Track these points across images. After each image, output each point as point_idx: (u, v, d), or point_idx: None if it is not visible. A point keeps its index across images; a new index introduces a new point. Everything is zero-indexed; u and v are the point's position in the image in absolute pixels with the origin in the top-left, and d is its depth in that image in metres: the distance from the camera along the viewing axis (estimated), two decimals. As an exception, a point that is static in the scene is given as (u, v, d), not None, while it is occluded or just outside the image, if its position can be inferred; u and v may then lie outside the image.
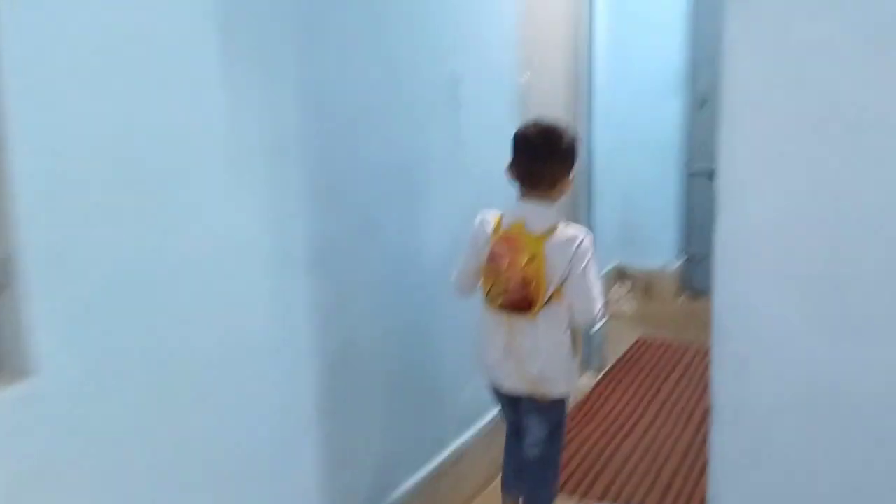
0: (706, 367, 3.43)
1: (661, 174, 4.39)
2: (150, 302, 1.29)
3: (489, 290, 1.84)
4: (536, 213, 1.82)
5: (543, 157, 1.81)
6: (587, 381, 3.33)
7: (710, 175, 4.40)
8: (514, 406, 1.98)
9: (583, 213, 3.21)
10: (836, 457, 1.08)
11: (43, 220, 1.09)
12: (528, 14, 2.62)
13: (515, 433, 2.03)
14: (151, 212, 1.28)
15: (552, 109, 2.98)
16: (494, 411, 2.41)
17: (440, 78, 2.13)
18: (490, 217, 1.88)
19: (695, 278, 4.47)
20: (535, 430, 1.94)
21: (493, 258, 1.81)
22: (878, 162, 0.99)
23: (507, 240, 1.80)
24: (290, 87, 1.58)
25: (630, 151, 4.22)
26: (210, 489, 1.45)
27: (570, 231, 1.79)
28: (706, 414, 2.66)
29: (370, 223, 1.90)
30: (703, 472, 2.48)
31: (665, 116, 4.28)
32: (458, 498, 2.37)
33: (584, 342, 3.36)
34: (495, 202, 2.44)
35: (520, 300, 1.78)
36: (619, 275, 4.48)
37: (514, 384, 1.89)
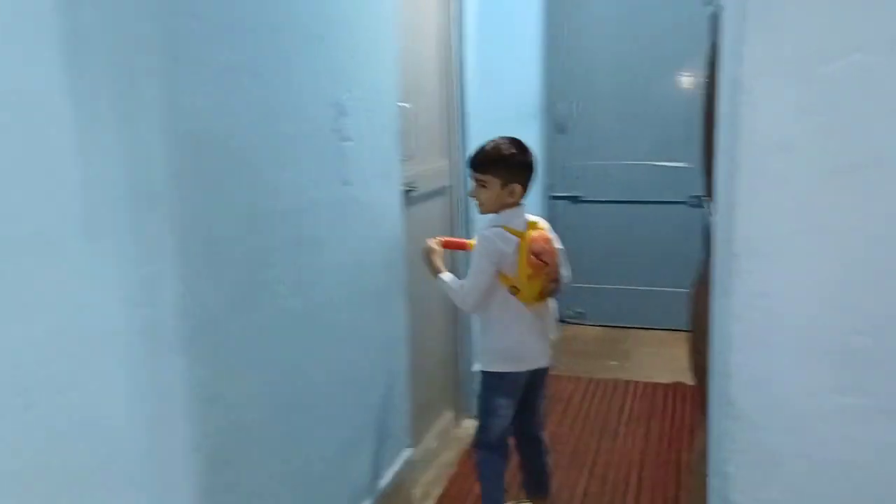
0: (585, 398, 3.47)
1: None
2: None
3: (540, 288, 2.07)
4: (525, 212, 2.12)
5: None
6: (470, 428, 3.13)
7: (573, 199, 4.44)
8: (524, 391, 2.19)
9: (462, 234, 3.03)
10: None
11: None
12: (405, 46, 2.41)
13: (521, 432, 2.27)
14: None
15: (430, 137, 2.78)
16: (391, 474, 2.23)
17: (324, 111, 1.84)
18: (499, 233, 2.05)
19: (562, 305, 4.41)
20: (541, 406, 2.27)
21: (540, 256, 2.04)
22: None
23: (540, 238, 2.07)
24: (157, 126, 1.24)
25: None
26: None
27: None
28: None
29: (255, 283, 1.57)
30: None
31: (527, 141, 4.23)
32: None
33: (465, 380, 3.16)
34: (386, 242, 2.21)
35: (556, 282, 2.10)
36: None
37: (543, 356, 2.19)
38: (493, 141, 2.09)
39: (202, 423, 1.42)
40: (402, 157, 2.37)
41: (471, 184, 2.13)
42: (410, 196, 2.52)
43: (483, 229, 2.08)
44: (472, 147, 3.06)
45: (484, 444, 2.17)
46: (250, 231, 1.54)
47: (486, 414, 2.16)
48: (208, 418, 1.44)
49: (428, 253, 2.22)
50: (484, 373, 2.16)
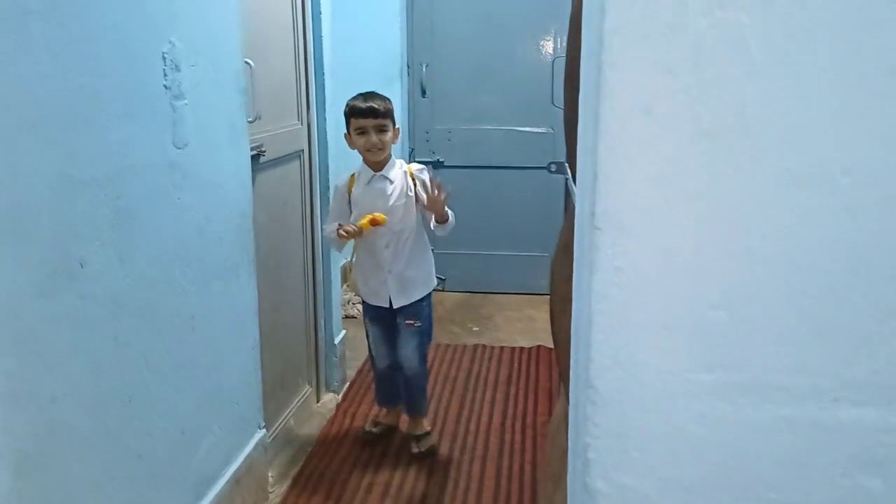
0: (449, 365, 3.45)
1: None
2: None
3: None
4: None
5: None
6: (330, 402, 3.02)
7: (435, 164, 4.36)
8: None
9: (316, 218, 2.88)
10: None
11: None
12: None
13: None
14: None
15: (282, 97, 2.59)
16: (242, 458, 2.12)
17: (148, 66, 1.63)
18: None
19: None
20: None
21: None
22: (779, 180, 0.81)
23: None
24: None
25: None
26: None
27: None
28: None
29: (68, 261, 1.37)
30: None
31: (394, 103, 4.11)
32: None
33: (328, 354, 3.04)
34: (232, 211, 2.02)
35: None
36: (347, 275, 4.21)
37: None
38: (367, 93, 2.46)
39: (5, 425, 1.22)
40: (249, 119, 2.18)
41: (365, 135, 2.41)
42: (260, 161, 2.34)
43: (413, 165, 2.54)
44: (332, 108, 2.91)
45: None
46: (59, 201, 1.33)
47: (432, 327, 2.67)
48: (13, 419, 1.25)
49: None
50: (430, 294, 2.60)
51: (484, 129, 4.23)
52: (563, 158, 2.11)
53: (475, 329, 3.86)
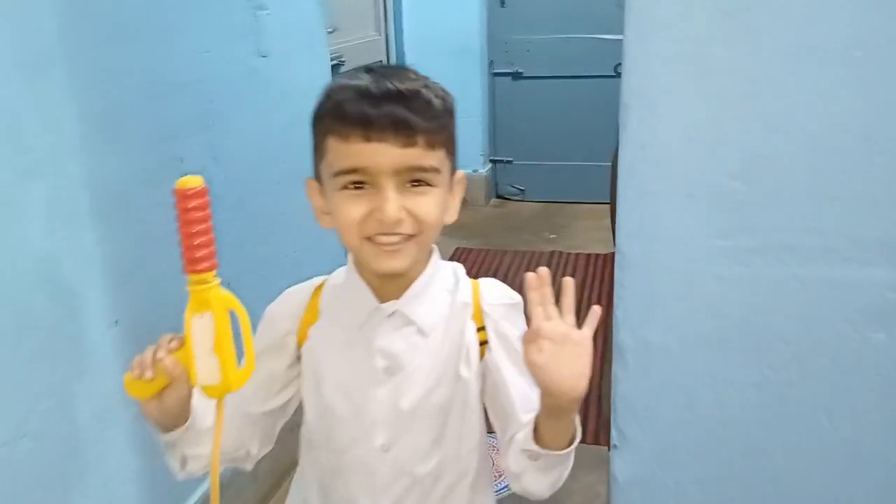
0: (524, 270, 3.55)
1: (465, 77, 4.26)
2: None
3: None
4: None
5: None
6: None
7: (515, 76, 4.38)
8: None
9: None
10: (747, 391, 1.01)
11: None
12: None
13: None
14: None
15: (359, 7, 2.69)
16: None
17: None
18: None
19: (503, 182, 4.48)
20: None
21: None
22: (785, 63, 0.87)
23: None
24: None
25: (433, 54, 4.02)
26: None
27: None
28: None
29: (168, 157, 1.54)
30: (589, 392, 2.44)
31: (466, 16, 4.12)
32: None
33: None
34: (307, 120, 2.17)
35: None
36: (429, 185, 4.35)
37: None
38: (383, 68, 0.89)
39: (121, 296, 1.43)
40: (328, 29, 2.30)
41: (363, 194, 0.81)
42: (339, 71, 2.47)
43: (485, 287, 0.93)
44: (409, 19, 2.95)
45: None
46: (155, 103, 1.50)
47: None
48: (125, 293, 1.45)
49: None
50: None
51: (563, 39, 4.20)
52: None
53: (551, 237, 3.96)
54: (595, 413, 2.29)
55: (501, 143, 4.42)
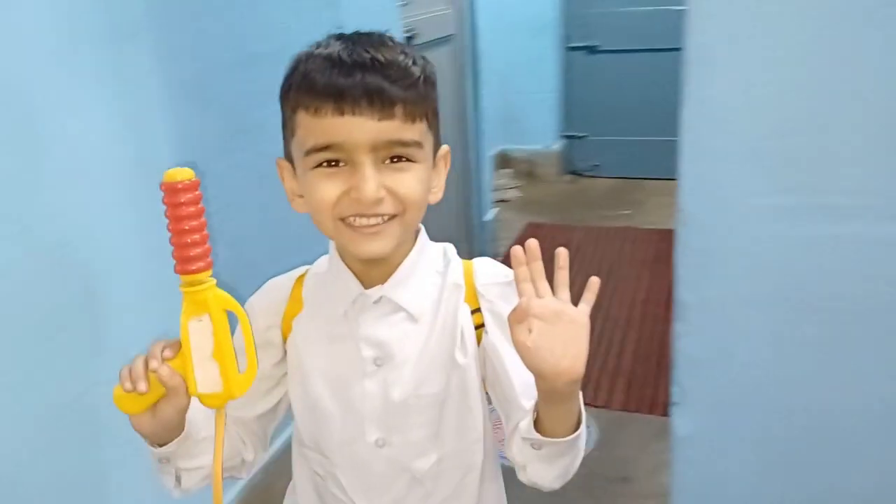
0: (597, 246, 3.58)
1: (539, 51, 4.24)
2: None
3: None
4: None
5: None
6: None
7: (591, 50, 4.33)
8: None
9: (469, 101, 3.02)
10: (808, 350, 1.01)
11: None
12: None
13: None
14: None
15: (431, -16, 2.72)
16: None
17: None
18: None
19: (576, 158, 4.45)
20: None
21: None
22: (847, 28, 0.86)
23: None
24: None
25: (507, 28, 4.02)
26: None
27: None
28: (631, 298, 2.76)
29: (246, 123, 1.63)
30: (659, 363, 2.44)
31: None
32: None
33: (477, 232, 3.25)
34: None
35: None
36: (502, 161, 4.37)
37: None
38: (356, 34, 0.82)
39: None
40: (400, 2, 2.34)
41: (336, 172, 0.77)
42: (412, 44, 2.51)
43: (478, 266, 0.90)
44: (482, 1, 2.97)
45: None
46: (236, 72, 1.58)
47: None
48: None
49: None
50: None
51: (643, 11, 4.12)
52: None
53: (626, 212, 3.92)
54: (666, 384, 2.29)
55: (576, 119, 4.38)
